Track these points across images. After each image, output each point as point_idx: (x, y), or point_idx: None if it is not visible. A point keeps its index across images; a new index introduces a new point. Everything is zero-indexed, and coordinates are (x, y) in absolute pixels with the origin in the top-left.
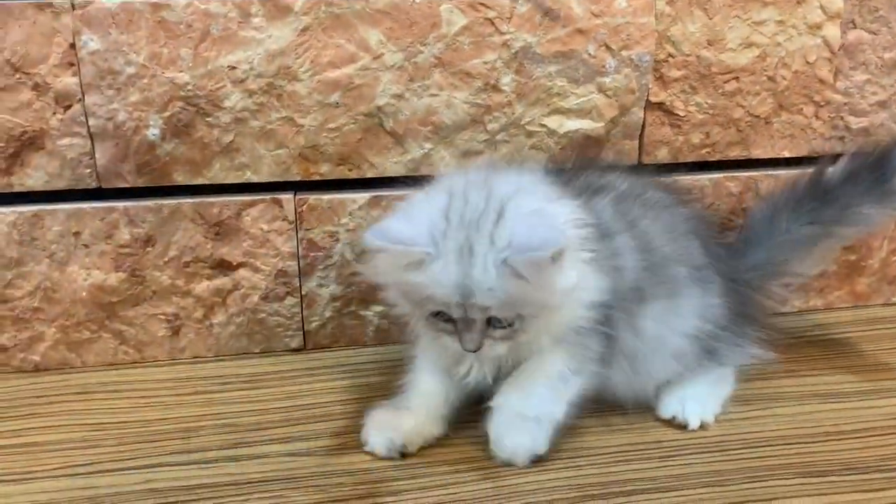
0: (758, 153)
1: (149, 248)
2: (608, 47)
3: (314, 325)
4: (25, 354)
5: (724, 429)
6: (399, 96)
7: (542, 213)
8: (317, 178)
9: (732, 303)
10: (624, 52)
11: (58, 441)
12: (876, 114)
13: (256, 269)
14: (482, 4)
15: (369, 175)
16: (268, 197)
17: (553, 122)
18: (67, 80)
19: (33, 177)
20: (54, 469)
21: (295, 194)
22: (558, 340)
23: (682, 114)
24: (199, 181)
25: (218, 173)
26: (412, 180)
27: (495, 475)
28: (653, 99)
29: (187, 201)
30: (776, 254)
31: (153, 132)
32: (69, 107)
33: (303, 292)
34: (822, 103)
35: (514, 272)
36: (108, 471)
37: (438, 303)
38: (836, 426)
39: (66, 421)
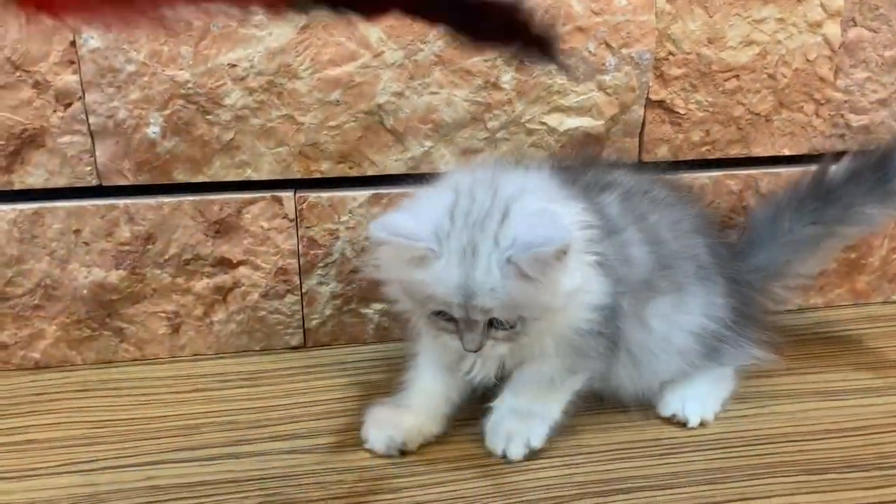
0: (758, 151)
1: (149, 246)
2: (608, 45)
3: (314, 322)
4: (26, 352)
5: (723, 426)
6: (399, 94)
7: (546, 212)
8: (317, 175)
9: (735, 303)
10: (624, 50)
11: (58, 438)
12: (876, 112)
13: (257, 267)
14: None
15: (370, 173)
16: (268, 195)
17: (553, 119)
18: (68, 78)
19: (34, 175)
20: (55, 466)
21: (295, 192)
22: (561, 342)
23: (682, 112)
24: (200, 179)
25: (218, 171)
26: (412, 178)
27: (495, 473)
28: (653, 97)
29: (187, 199)
30: (779, 254)
31: (153, 130)
32: (69, 105)
33: (303, 290)
34: (823, 101)
35: (518, 271)
36: (108, 468)
37: (440, 302)
38: (835, 424)
39: (67, 418)
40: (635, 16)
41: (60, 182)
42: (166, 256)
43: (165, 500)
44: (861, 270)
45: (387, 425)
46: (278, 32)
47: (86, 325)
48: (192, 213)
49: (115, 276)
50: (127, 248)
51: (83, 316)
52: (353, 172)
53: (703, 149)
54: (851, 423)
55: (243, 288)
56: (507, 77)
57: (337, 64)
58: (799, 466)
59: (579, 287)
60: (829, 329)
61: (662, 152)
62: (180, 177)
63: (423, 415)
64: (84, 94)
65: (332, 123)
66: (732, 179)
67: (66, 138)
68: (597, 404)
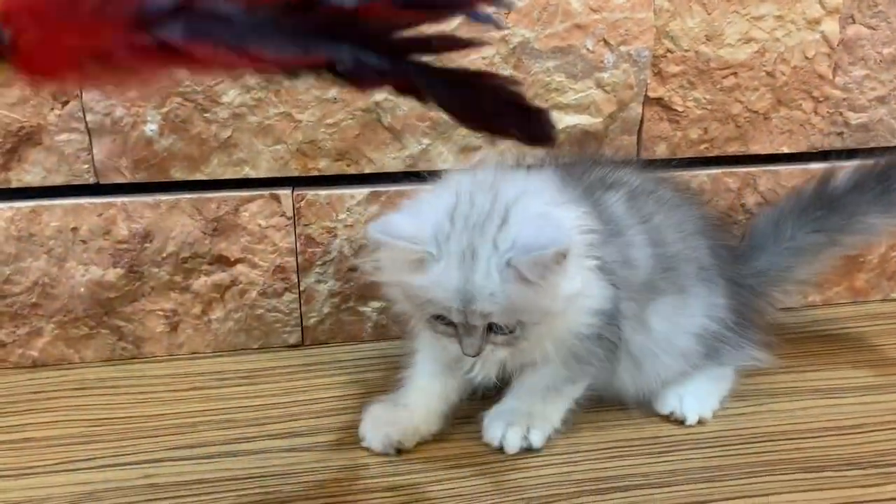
0: (756, 149)
1: (147, 244)
2: (606, 42)
3: (312, 320)
4: (23, 350)
5: (720, 424)
6: None
7: (547, 216)
8: (315, 173)
9: (737, 305)
10: (622, 48)
11: (56, 437)
12: (875, 109)
13: (254, 265)
14: None
15: (367, 171)
16: (266, 192)
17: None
18: None
19: (31, 172)
20: (52, 464)
21: (293, 190)
22: (561, 347)
23: (680, 109)
24: (197, 177)
25: (216, 169)
26: (411, 176)
27: (493, 471)
28: (651, 94)
29: (185, 197)
30: (780, 260)
31: (151, 128)
32: (67, 102)
33: (301, 288)
34: (821, 99)
35: (518, 274)
36: (106, 466)
37: (439, 307)
38: (833, 422)
39: (65, 417)
40: (633, 13)
41: (58, 180)
42: (164, 254)
43: (163, 499)
44: (860, 268)
45: (384, 423)
46: None
47: (83, 323)
48: (190, 212)
49: (112, 275)
50: (125, 246)
51: (81, 314)
52: (351, 170)
53: (702, 146)
54: (850, 420)
55: (241, 286)
56: (505, 74)
57: None
58: (797, 464)
59: (579, 291)
60: (827, 327)
61: (661, 150)
62: (178, 174)
63: (421, 413)
64: (81, 91)
65: (329, 121)
66: (731, 177)
67: (64, 136)
68: (595, 402)
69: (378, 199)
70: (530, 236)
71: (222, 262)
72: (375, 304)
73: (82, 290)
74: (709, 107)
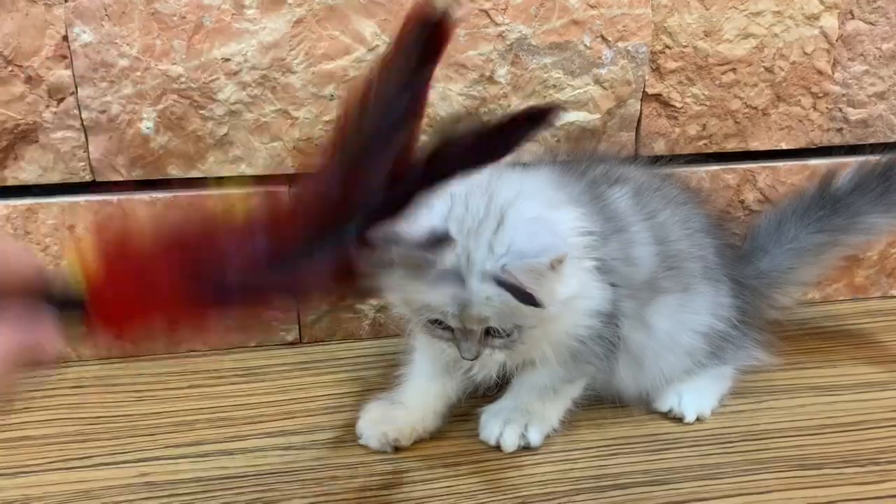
0: (755, 145)
1: None
2: (604, 38)
3: (310, 318)
4: None
5: (719, 422)
6: None
7: (543, 220)
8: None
9: (740, 304)
10: (620, 44)
11: (52, 435)
12: (874, 105)
13: None
14: None
15: None
16: (262, 190)
17: None
18: (60, 73)
19: (27, 170)
20: (49, 463)
21: (289, 187)
22: (559, 348)
23: (678, 105)
24: (194, 174)
25: (212, 166)
26: None
27: (490, 469)
28: (649, 90)
29: (182, 194)
30: (783, 261)
31: (147, 125)
32: (62, 100)
33: None
34: (820, 94)
35: (513, 280)
36: (102, 464)
37: (435, 312)
38: (831, 419)
39: (61, 415)
40: (631, 9)
41: (54, 178)
42: None
43: (159, 497)
44: (859, 265)
45: (381, 421)
46: (272, 27)
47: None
48: (186, 209)
49: None
50: None
51: None
52: None
53: (700, 143)
54: (849, 418)
55: None
56: (503, 71)
57: (331, 58)
58: (795, 461)
59: (576, 294)
60: (826, 324)
61: (659, 146)
62: (174, 172)
63: (418, 411)
64: (77, 88)
65: (326, 118)
66: (730, 173)
67: (60, 134)
68: (594, 400)
69: None
70: (526, 242)
71: None
72: (373, 302)
73: None
74: (707, 103)
